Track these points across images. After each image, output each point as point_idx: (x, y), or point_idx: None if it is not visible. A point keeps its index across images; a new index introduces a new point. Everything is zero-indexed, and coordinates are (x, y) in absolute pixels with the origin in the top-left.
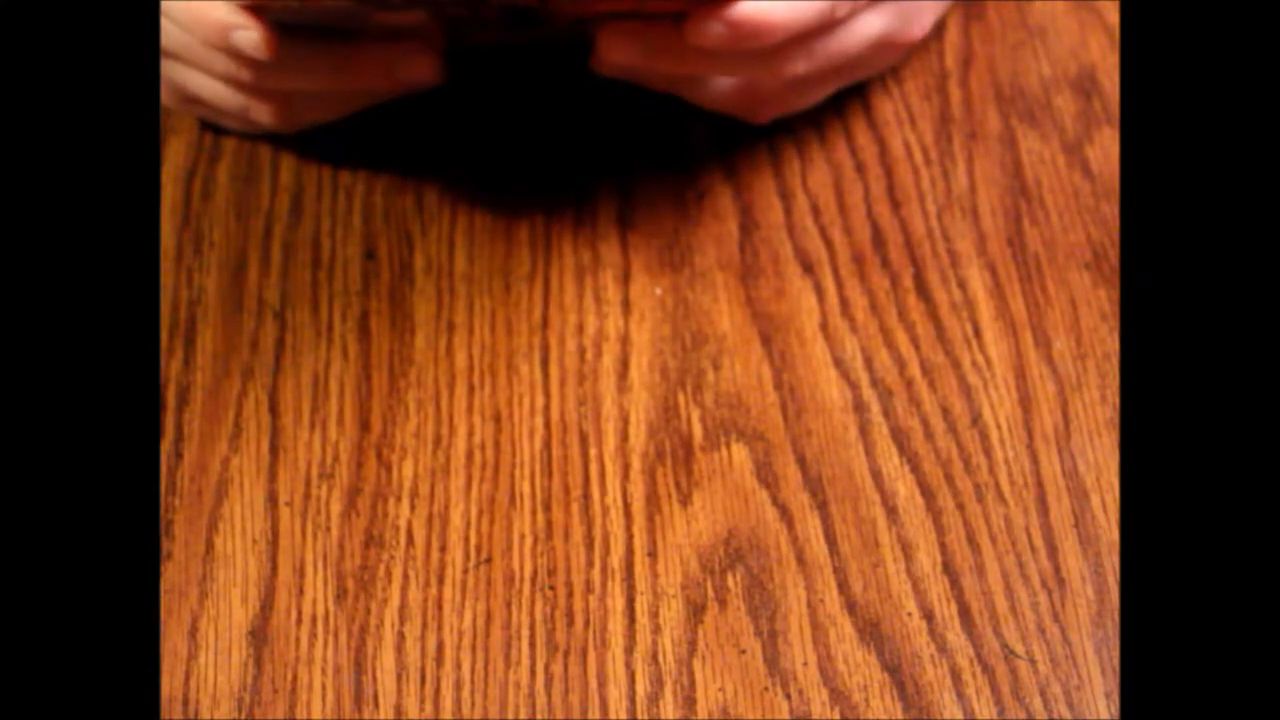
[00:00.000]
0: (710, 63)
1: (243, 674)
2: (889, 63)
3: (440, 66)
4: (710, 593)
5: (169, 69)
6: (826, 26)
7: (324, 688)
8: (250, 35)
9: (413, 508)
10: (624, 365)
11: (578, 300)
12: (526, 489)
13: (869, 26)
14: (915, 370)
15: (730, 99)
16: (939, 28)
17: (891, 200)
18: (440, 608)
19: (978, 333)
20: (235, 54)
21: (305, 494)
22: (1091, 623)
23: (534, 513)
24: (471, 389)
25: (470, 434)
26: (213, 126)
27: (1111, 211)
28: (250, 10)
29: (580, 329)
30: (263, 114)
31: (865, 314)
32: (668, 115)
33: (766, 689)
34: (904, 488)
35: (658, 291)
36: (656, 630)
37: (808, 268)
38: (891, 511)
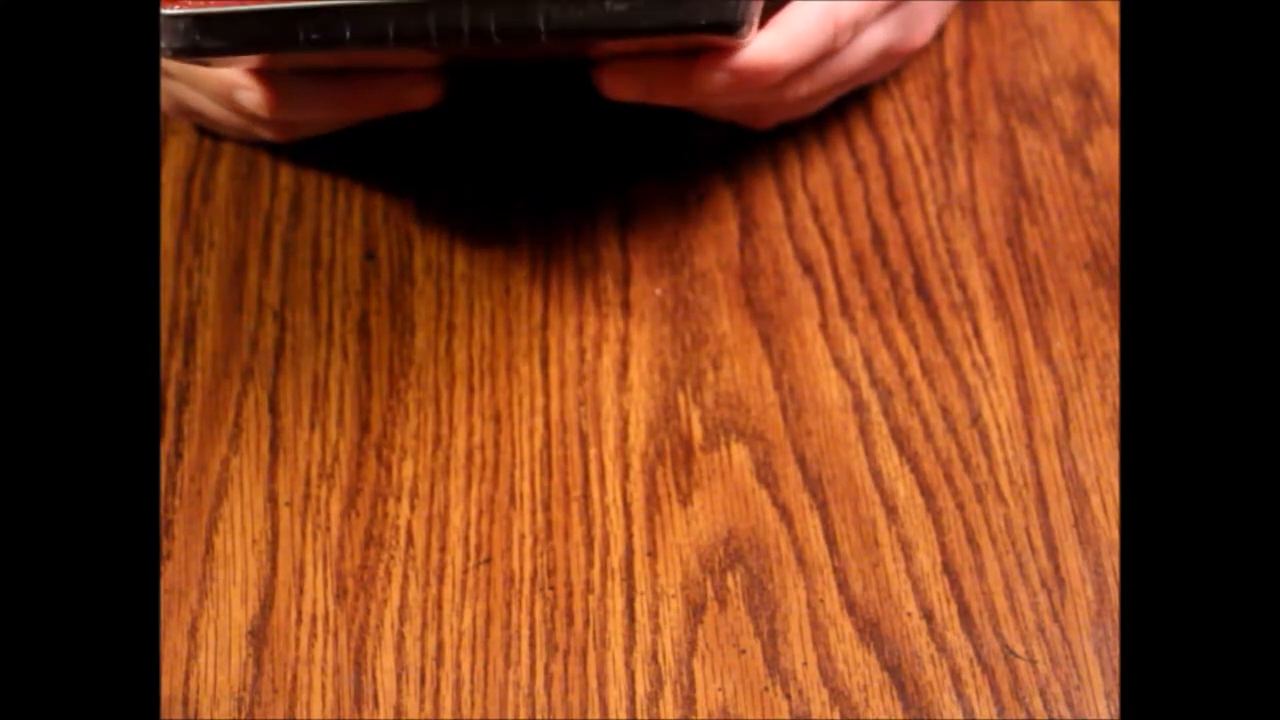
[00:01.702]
0: (713, 99)
1: (242, 674)
2: (892, 69)
3: (441, 90)
4: (710, 593)
5: (169, 85)
6: (829, 54)
7: (324, 688)
8: (253, 96)
9: (413, 508)
10: (624, 365)
11: (577, 301)
12: (526, 489)
13: (871, 41)
14: (915, 370)
15: (733, 112)
16: (939, 29)
17: (891, 200)
18: (440, 608)
19: (978, 333)
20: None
21: (305, 494)
22: (1091, 623)
23: (534, 513)
24: (471, 389)
25: (470, 434)
26: (211, 133)
27: (1111, 211)
28: (253, 71)
29: (580, 330)
30: (264, 133)
31: (865, 314)
32: (668, 117)
33: (766, 689)
34: (904, 488)
35: (657, 292)
36: (656, 630)
37: (808, 268)
38: (891, 511)
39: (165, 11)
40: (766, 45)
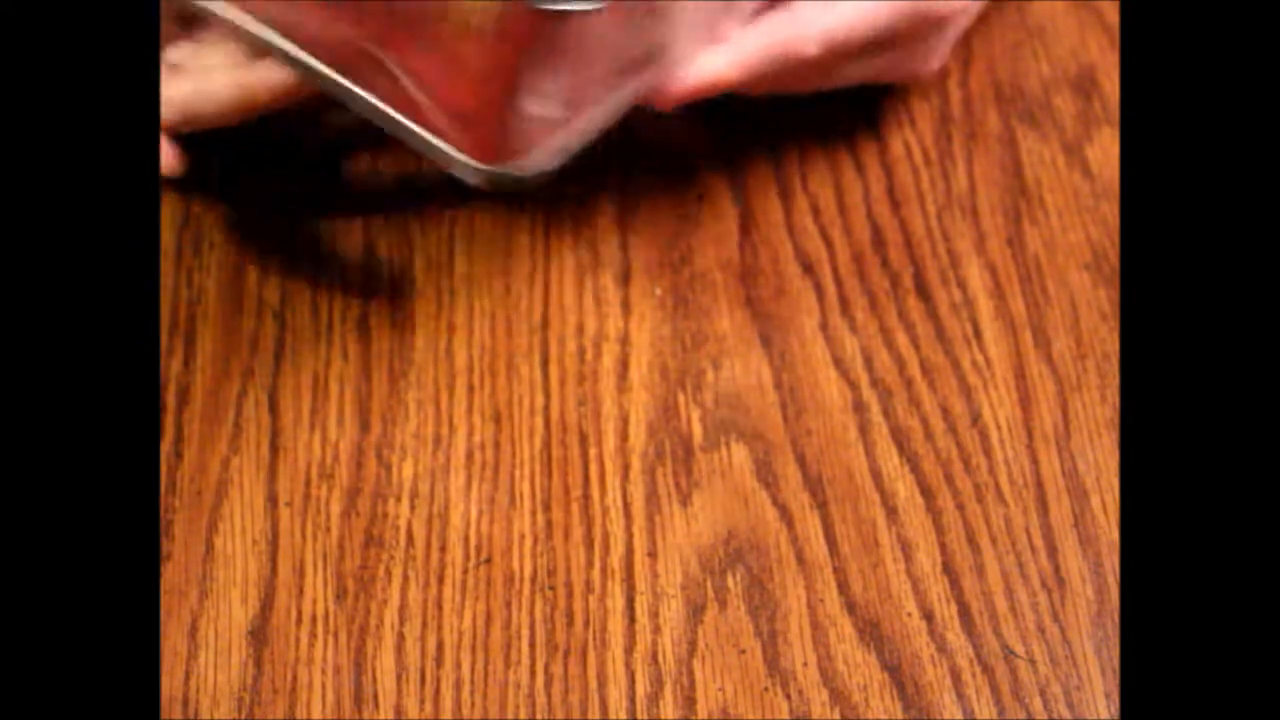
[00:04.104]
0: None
1: (242, 674)
2: (928, 35)
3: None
4: (710, 593)
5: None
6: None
7: (324, 688)
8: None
9: (413, 508)
10: (624, 365)
11: (577, 301)
12: (526, 489)
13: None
14: (915, 370)
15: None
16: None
17: (891, 200)
18: (440, 608)
19: (978, 333)
20: None
21: (305, 494)
22: (1091, 623)
23: (534, 513)
24: (471, 389)
25: (470, 434)
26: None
27: (1111, 211)
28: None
29: (580, 329)
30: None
31: (865, 314)
32: (668, 115)
33: (766, 689)
34: (904, 488)
35: (658, 292)
36: (656, 630)
37: (808, 268)
38: (891, 511)
39: None
40: (708, 66)
